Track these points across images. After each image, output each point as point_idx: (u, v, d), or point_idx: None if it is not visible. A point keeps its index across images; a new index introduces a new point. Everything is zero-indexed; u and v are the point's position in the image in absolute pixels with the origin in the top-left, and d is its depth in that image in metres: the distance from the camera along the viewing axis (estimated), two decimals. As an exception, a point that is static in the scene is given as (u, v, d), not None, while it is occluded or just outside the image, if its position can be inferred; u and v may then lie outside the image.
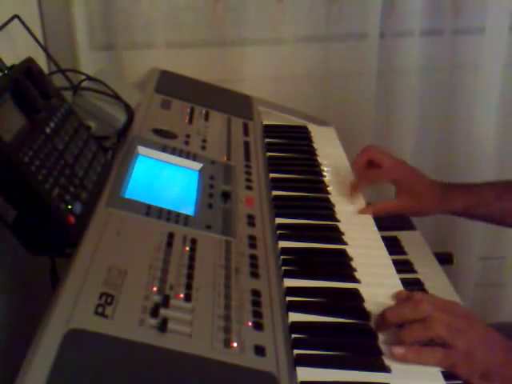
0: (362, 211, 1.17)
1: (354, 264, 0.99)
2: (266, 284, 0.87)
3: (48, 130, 0.92)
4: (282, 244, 1.01)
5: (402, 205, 1.22)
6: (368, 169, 1.22)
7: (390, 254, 1.05)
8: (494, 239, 1.87)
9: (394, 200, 1.23)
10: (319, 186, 1.23)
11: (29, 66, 0.95)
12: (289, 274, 0.94)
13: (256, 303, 0.81)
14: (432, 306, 0.82)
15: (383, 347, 0.81)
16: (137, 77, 1.56)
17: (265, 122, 1.48)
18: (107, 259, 0.79)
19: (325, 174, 1.28)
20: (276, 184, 1.20)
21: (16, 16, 1.17)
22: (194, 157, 1.14)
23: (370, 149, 1.24)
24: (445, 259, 1.31)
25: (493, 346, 0.83)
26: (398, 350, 0.79)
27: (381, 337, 0.83)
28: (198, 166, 1.13)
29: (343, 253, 1.02)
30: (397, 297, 0.89)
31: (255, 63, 1.64)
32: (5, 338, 0.98)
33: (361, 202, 1.19)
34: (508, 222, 1.26)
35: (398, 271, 1.00)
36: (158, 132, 1.20)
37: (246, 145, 1.29)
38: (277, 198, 1.16)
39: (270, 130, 1.44)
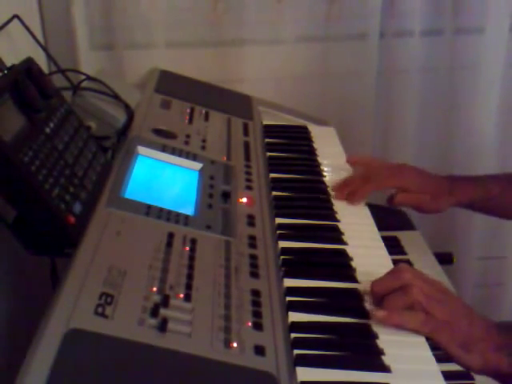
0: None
1: (353, 264, 0.99)
2: (265, 284, 0.87)
3: (48, 130, 0.92)
4: (282, 244, 1.01)
5: (415, 201, 1.24)
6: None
7: (390, 254, 1.05)
8: (494, 239, 1.87)
9: (414, 194, 1.23)
10: (319, 185, 1.23)
11: (29, 66, 0.95)
12: (289, 274, 0.94)
13: (256, 303, 0.81)
14: (412, 275, 0.86)
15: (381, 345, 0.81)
16: (137, 77, 1.56)
17: (265, 122, 1.48)
18: (107, 259, 0.79)
19: (325, 173, 1.28)
20: (276, 184, 1.20)
21: (16, 16, 1.17)
22: (193, 157, 1.14)
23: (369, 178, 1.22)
24: (445, 259, 1.31)
25: (473, 322, 0.86)
26: (381, 313, 0.83)
27: (381, 337, 0.83)
28: (198, 166, 1.13)
29: (343, 253, 1.02)
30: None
31: (255, 63, 1.64)
32: (5, 338, 0.98)
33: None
34: (511, 214, 1.26)
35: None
36: (157, 132, 1.20)
37: (246, 145, 1.29)
38: (277, 198, 1.16)
39: (269, 130, 1.44)
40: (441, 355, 0.84)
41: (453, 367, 0.97)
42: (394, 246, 1.24)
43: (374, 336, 0.83)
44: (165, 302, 0.75)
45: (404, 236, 1.35)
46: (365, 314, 0.87)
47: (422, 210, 1.27)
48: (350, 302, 0.91)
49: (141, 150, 1.11)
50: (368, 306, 0.88)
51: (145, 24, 1.57)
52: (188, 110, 1.35)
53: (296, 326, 0.83)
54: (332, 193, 1.20)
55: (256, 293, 0.84)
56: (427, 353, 0.82)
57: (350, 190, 1.18)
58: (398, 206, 1.26)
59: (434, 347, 0.83)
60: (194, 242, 0.90)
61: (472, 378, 1.01)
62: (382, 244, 1.07)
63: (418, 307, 0.84)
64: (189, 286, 0.79)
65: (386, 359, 0.79)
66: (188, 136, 1.22)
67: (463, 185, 1.24)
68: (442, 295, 0.86)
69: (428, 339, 0.84)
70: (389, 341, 0.82)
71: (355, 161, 1.29)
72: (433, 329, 0.83)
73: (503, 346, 0.85)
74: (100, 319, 0.69)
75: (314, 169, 1.30)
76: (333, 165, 1.31)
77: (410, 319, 0.83)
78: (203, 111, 1.37)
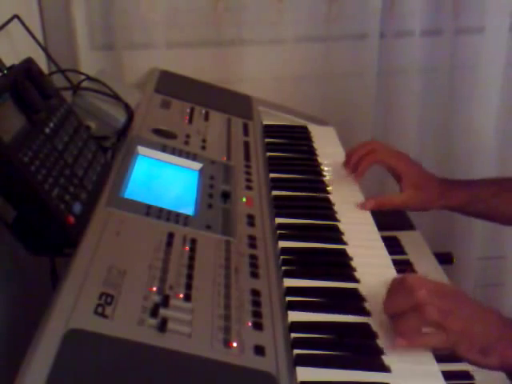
0: (362, 205, 1.17)
1: (353, 264, 0.99)
2: (265, 284, 0.87)
3: (48, 130, 0.92)
4: (282, 244, 1.01)
5: (406, 199, 1.23)
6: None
7: (390, 254, 1.05)
8: (494, 239, 1.87)
9: (399, 194, 1.23)
10: (319, 185, 1.23)
11: (29, 66, 0.95)
12: (289, 274, 0.94)
13: (256, 303, 0.81)
14: (425, 292, 0.82)
15: (383, 346, 0.81)
16: (137, 77, 1.56)
17: (265, 122, 1.48)
18: (107, 259, 0.79)
19: (325, 173, 1.28)
20: (276, 184, 1.20)
21: (16, 16, 1.17)
22: (193, 157, 1.14)
23: (375, 150, 1.24)
24: (445, 259, 1.31)
25: (487, 322, 0.84)
26: (401, 342, 0.81)
27: (381, 337, 0.83)
28: (198, 166, 1.13)
29: (343, 253, 1.02)
30: (390, 284, 0.88)
31: (255, 63, 1.64)
32: (5, 338, 0.98)
33: (360, 198, 1.19)
34: (504, 219, 1.26)
35: (398, 271, 1.00)
36: (157, 132, 1.20)
37: (246, 145, 1.29)
38: (277, 197, 1.16)
39: (269, 130, 1.44)
40: (441, 355, 0.84)
41: (453, 367, 0.97)
42: (393, 246, 1.24)
43: (374, 336, 0.83)
44: (165, 301, 0.75)
45: (404, 236, 1.35)
46: (365, 314, 0.87)
47: (411, 207, 1.28)
48: (349, 301, 0.91)
49: (141, 150, 1.11)
50: (369, 306, 0.88)
51: (145, 24, 1.57)
52: (188, 110, 1.35)
53: (296, 326, 0.83)
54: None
55: (256, 293, 0.84)
56: (427, 353, 0.82)
57: (353, 162, 1.21)
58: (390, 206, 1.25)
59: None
60: (194, 241, 0.90)
61: (472, 378, 1.00)
62: (381, 244, 1.07)
63: (433, 326, 0.82)
64: (189, 286, 0.79)
65: (386, 359, 0.79)
66: (188, 136, 1.22)
67: (454, 189, 1.24)
68: (453, 303, 0.83)
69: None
70: (389, 341, 0.82)
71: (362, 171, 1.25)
72: (452, 343, 0.81)
73: None
74: (100, 319, 0.69)
75: (314, 169, 1.30)
76: (333, 165, 1.31)
77: (432, 340, 0.82)
78: (203, 111, 1.37)
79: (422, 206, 1.25)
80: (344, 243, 1.05)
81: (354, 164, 1.23)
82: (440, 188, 1.24)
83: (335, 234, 1.07)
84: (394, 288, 0.86)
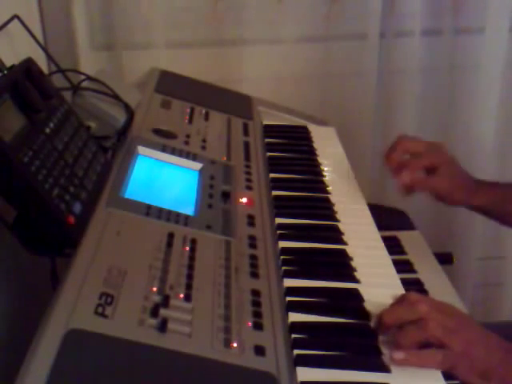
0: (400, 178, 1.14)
1: (353, 264, 0.99)
2: (265, 284, 0.87)
3: (48, 131, 0.92)
4: (282, 244, 1.01)
5: (437, 184, 1.18)
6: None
7: (390, 254, 1.05)
8: (494, 239, 1.87)
9: (434, 178, 1.18)
10: (319, 185, 1.23)
11: (29, 66, 0.95)
12: (289, 274, 0.94)
13: (256, 303, 0.81)
14: (427, 307, 0.82)
15: (383, 349, 0.81)
16: (137, 77, 1.56)
17: (265, 122, 1.48)
18: (107, 259, 0.79)
19: (325, 173, 1.28)
20: (276, 184, 1.20)
21: (16, 16, 1.17)
22: (193, 157, 1.14)
23: (404, 139, 1.20)
24: (445, 259, 1.31)
25: (490, 347, 0.83)
26: (398, 356, 0.79)
27: (381, 337, 0.83)
28: (198, 166, 1.13)
29: (343, 253, 1.02)
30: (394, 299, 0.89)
31: (255, 63, 1.64)
32: (5, 338, 0.98)
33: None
34: None
35: (398, 271, 1.00)
36: (157, 132, 1.20)
37: (246, 145, 1.29)
38: (277, 198, 1.16)
39: (269, 130, 1.44)
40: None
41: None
42: (393, 246, 1.24)
43: (374, 336, 0.83)
44: (165, 302, 0.75)
45: (404, 236, 1.35)
46: (365, 314, 0.87)
47: (439, 194, 1.20)
48: (349, 302, 0.91)
49: (141, 150, 1.11)
50: (369, 306, 0.88)
51: (145, 24, 1.57)
52: (188, 110, 1.35)
53: (296, 326, 0.83)
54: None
55: (256, 293, 0.83)
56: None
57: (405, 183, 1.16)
58: (421, 190, 1.20)
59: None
60: (193, 241, 0.90)
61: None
62: (381, 244, 1.07)
63: (434, 341, 0.81)
64: (189, 286, 0.79)
65: (386, 359, 0.79)
66: (188, 136, 1.22)
67: (484, 188, 1.20)
68: (456, 323, 0.83)
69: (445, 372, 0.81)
70: (389, 341, 0.82)
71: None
72: (452, 364, 0.80)
73: None
74: (100, 319, 0.69)
75: (314, 169, 1.30)
76: (333, 165, 1.31)
77: (428, 359, 0.80)
78: (203, 111, 1.37)
79: (450, 197, 1.19)
80: (344, 243, 1.05)
81: (405, 185, 1.16)
82: (471, 183, 1.20)
83: (335, 234, 1.07)
84: (398, 301, 0.85)
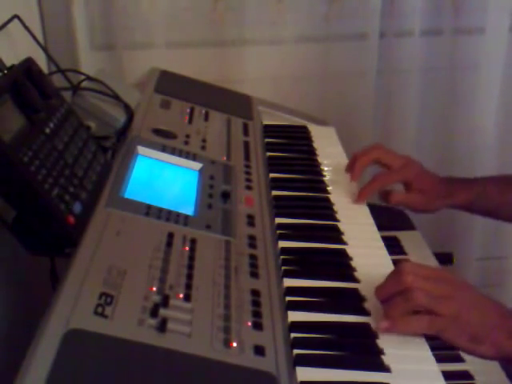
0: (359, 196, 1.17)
1: (353, 264, 0.99)
2: (265, 284, 0.87)
3: (48, 130, 0.92)
4: (282, 244, 1.01)
5: (410, 200, 1.24)
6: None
7: (390, 254, 1.05)
8: (494, 239, 1.87)
9: (404, 193, 1.24)
10: (319, 185, 1.23)
11: (29, 66, 0.95)
12: (289, 274, 0.94)
13: (256, 303, 0.81)
14: (413, 276, 0.83)
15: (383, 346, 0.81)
16: (137, 77, 1.56)
17: (265, 122, 1.48)
18: (107, 259, 0.79)
19: (325, 173, 1.28)
20: (276, 184, 1.20)
21: (16, 16, 1.17)
22: (193, 157, 1.14)
23: (377, 147, 1.24)
24: (445, 259, 1.31)
25: (485, 311, 0.84)
26: (384, 324, 0.82)
27: (381, 337, 0.83)
28: (197, 166, 1.13)
29: (343, 253, 1.02)
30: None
31: (255, 63, 1.64)
32: (5, 337, 0.98)
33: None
34: (511, 216, 1.26)
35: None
36: (157, 132, 1.20)
37: (246, 145, 1.29)
38: (277, 197, 1.16)
39: (269, 130, 1.44)
40: (441, 355, 0.84)
41: (453, 367, 0.97)
42: (393, 246, 1.24)
43: (374, 336, 0.83)
44: (164, 301, 0.75)
45: (404, 236, 1.35)
46: (365, 314, 0.87)
47: (416, 209, 1.27)
48: (349, 301, 0.91)
49: (141, 150, 1.11)
50: (369, 306, 0.89)
51: (145, 24, 1.57)
52: (188, 110, 1.34)
53: (296, 326, 0.83)
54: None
55: (256, 293, 0.83)
56: (427, 353, 0.82)
57: (350, 164, 1.21)
58: (395, 204, 1.25)
59: (435, 347, 0.83)
60: (193, 241, 0.90)
61: (472, 378, 1.00)
62: (381, 244, 1.07)
63: (422, 309, 0.82)
64: (188, 286, 0.79)
65: (386, 359, 0.79)
66: (188, 136, 1.22)
67: (461, 187, 1.24)
68: (447, 289, 0.84)
69: (434, 339, 0.83)
70: (389, 341, 0.82)
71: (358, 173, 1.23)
72: (439, 328, 0.81)
73: None
74: (100, 319, 0.69)
75: (314, 169, 1.30)
76: (333, 165, 1.31)
77: (413, 324, 0.82)
78: (203, 111, 1.37)
79: (427, 209, 1.25)
80: (344, 243, 1.05)
81: (350, 165, 1.22)
82: (446, 189, 1.24)
83: (335, 234, 1.07)
84: (390, 274, 0.87)
